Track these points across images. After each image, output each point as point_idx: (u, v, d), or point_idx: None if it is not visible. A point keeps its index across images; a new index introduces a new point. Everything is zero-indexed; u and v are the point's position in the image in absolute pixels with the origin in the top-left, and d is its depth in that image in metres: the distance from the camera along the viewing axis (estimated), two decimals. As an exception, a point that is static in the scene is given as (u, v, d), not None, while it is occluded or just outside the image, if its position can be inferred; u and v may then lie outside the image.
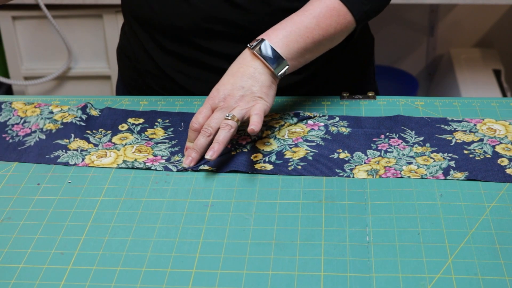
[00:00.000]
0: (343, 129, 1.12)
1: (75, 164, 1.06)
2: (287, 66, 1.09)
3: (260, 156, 1.07)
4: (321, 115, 1.16)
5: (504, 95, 2.41)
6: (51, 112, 1.17)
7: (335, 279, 0.84)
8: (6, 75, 2.63)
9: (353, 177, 1.01)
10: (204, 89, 1.24)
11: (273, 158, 1.06)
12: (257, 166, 1.04)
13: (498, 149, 1.06)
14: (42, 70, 2.57)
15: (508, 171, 1.01)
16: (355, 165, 1.04)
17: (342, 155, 1.06)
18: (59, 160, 1.07)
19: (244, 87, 1.07)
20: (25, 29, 2.50)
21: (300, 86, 1.24)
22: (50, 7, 2.40)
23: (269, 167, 1.04)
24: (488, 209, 0.94)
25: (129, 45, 1.31)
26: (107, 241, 0.91)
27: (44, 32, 2.51)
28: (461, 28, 2.73)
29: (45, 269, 0.87)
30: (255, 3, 1.17)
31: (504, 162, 1.03)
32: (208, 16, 1.18)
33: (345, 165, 1.04)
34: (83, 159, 1.07)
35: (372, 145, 1.08)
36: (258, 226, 0.93)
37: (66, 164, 1.07)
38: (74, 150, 1.09)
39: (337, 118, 1.15)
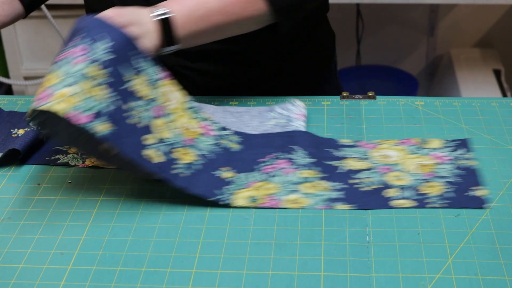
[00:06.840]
0: (233, 145, 1.04)
1: (75, 165, 1.06)
2: (174, 48, 1.05)
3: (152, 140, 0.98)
4: (217, 121, 1.07)
5: (504, 95, 2.41)
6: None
7: (335, 279, 0.84)
8: (6, 75, 2.63)
9: (231, 203, 0.95)
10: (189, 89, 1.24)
11: (162, 148, 0.98)
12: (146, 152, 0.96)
13: (387, 177, 0.99)
14: (42, 70, 2.57)
15: (392, 203, 0.95)
16: (235, 190, 0.97)
17: (224, 175, 0.99)
18: (59, 162, 1.07)
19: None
20: (25, 29, 2.50)
21: (262, 83, 1.24)
22: (50, 7, 2.40)
23: (159, 158, 0.96)
24: (488, 209, 0.94)
25: None
26: (107, 241, 0.91)
27: (44, 32, 2.51)
28: (461, 28, 2.73)
29: (45, 269, 0.87)
30: None
31: (389, 193, 0.96)
32: None
33: (224, 188, 0.97)
34: (83, 162, 1.07)
35: (256, 167, 1.01)
36: (258, 226, 0.93)
37: (66, 164, 1.07)
38: (74, 153, 1.09)
39: (232, 131, 1.06)
